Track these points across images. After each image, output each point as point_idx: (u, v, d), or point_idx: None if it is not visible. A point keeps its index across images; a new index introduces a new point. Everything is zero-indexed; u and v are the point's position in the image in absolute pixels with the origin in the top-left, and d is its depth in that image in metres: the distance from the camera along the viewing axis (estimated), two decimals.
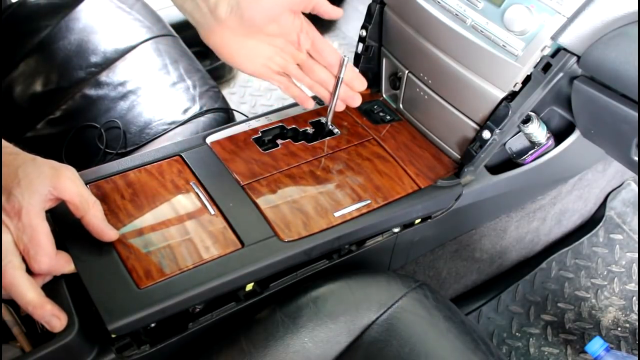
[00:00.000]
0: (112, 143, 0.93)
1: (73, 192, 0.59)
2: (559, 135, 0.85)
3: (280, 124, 0.86)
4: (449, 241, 1.04)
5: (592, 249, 1.21)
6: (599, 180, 1.21)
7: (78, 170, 0.63)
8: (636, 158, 0.69)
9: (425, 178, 0.82)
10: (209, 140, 0.82)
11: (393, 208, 0.77)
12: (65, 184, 0.58)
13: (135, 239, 0.67)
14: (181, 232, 0.69)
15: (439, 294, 0.72)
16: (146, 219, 0.70)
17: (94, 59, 1.04)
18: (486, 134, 0.76)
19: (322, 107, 0.87)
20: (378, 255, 0.84)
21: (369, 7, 0.89)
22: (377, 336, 0.66)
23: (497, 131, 0.75)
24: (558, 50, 0.69)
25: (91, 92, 1.00)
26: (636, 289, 1.15)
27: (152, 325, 0.64)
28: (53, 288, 0.61)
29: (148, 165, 0.77)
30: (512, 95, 0.74)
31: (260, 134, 0.84)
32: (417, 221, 0.83)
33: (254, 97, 1.50)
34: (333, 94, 0.79)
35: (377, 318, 0.68)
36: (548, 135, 0.82)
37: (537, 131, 0.80)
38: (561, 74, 0.70)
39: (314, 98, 0.93)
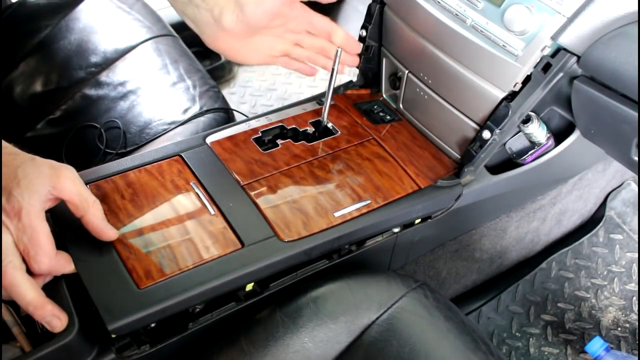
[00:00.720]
0: (112, 143, 0.93)
1: (72, 191, 0.59)
2: (559, 135, 0.85)
3: (280, 124, 0.86)
4: (449, 241, 1.04)
5: (592, 249, 1.21)
6: (599, 180, 1.21)
7: (78, 170, 0.63)
8: (636, 158, 0.69)
9: (425, 178, 0.82)
10: (209, 140, 0.82)
11: (393, 208, 0.77)
12: (65, 183, 0.58)
13: (135, 239, 0.67)
14: (181, 232, 0.69)
15: (439, 294, 0.72)
16: (146, 219, 0.70)
17: (94, 59, 1.04)
18: (486, 134, 0.76)
19: (322, 107, 0.87)
20: (378, 255, 0.84)
21: (369, 7, 0.89)
22: (377, 336, 0.66)
23: (497, 131, 0.75)
24: (558, 50, 0.69)
25: (91, 92, 1.00)
26: (636, 289, 1.15)
27: (152, 325, 0.64)
28: (53, 288, 0.61)
29: (148, 165, 0.77)
30: (512, 95, 0.74)
31: (260, 134, 0.84)
32: (417, 221, 0.83)
33: (254, 97, 1.50)
34: (328, 86, 0.79)
35: (377, 318, 0.68)
36: (548, 135, 0.82)
37: (537, 131, 0.80)
38: (561, 74, 0.70)
39: (314, 98, 0.94)
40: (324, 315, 0.67)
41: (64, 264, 0.61)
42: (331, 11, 1.73)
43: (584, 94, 0.69)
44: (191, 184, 0.75)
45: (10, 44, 1.05)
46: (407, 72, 0.88)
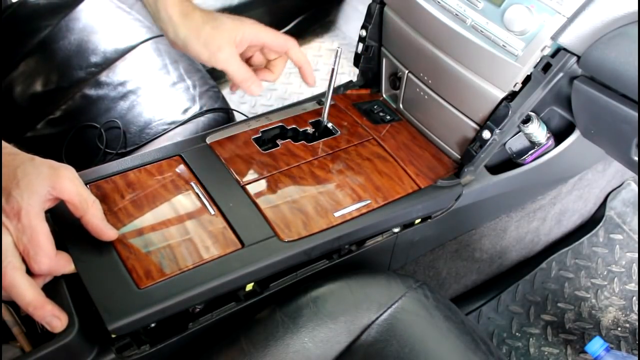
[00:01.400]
0: (112, 143, 0.93)
1: (72, 191, 0.59)
2: (559, 135, 0.85)
3: (280, 124, 0.86)
4: (449, 241, 1.04)
5: (592, 249, 1.21)
6: (599, 180, 1.21)
7: (78, 171, 0.63)
8: (636, 158, 0.69)
9: (425, 178, 0.82)
10: (209, 140, 0.82)
11: (393, 208, 0.77)
12: (64, 183, 0.58)
13: (135, 239, 0.67)
14: (181, 232, 0.69)
15: (439, 294, 0.72)
16: (146, 219, 0.70)
17: (94, 59, 1.04)
18: (486, 134, 0.76)
19: (322, 107, 0.87)
20: (378, 255, 0.84)
21: (369, 7, 0.89)
22: (377, 336, 0.66)
23: (497, 131, 0.75)
24: (558, 50, 0.69)
25: (91, 92, 1.00)
26: (636, 289, 1.15)
27: (152, 325, 0.64)
28: (53, 288, 0.61)
29: (148, 165, 0.77)
30: (512, 95, 0.74)
31: (260, 134, 0.84)
32: (417, 221, 0.83)
33: (254, 97, 1.50)
34: (328, 86, 0.80)
35: (377, 318, 0.68)
36: (548, 135, 0.82)
37: (537, 131, 0.80)
38: (561, 74, 0.70)
39: (314, 98, 0.94)
40: (324, 315, 0.67)
41: (64, 264, 0.61)
42: (331, 11, 1.74)
43: (584, 94, 0.69)
44: (191, 184, 0.75)
45: (10, 44, 1.05)
46: (407, 72, 0.88)
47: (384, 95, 0.97)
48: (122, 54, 1.04)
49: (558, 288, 1.16)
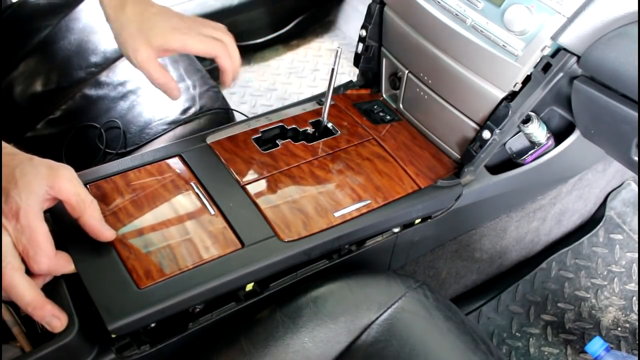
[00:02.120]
0: (112, 143, 0.93)
1: (70, 192, 0.59)
2: (559, 135, 0.85)
3: (280, 124, 0.86)
4: (449, 241, 1.04)
5: (592, 249, 1.21)
6: (599, 180, 1.21)
7: (78, 171, 0.63)
8: (636, 158, 0.69)
9: (425, 178, 0.82)
10: (209, 140, 0.82)
11: (393, 208, 0.77)
12: (62, 183, 0.58)
13: (135, 239, 0.67)
14: (181, 232, 0.69)
15: (439, 294, 0.72)
16: (146, 219, 0.70)
17: (94, 59, 1.04)
18: (486, 134, 0.76)
19: (322, 107, 0.87)
20: (378, 255, 0.84)
21: (369, 7, 0.89)
22: (377, 336, 0.66)
23: (497, 131, 0.75)
24: (558, 50, 0.69)
25: (91, 92, 1.00)
26: (636, 289, 1.15)
27: (152, 325, 0.64)
28: (53, 288, 0.61)
29: (148, 165, 0.77)
30: (512, 95, 0.74)
31: (260, 134, 0.84)
32: (417, 221, 0.83)
33: (254, 97, 1.50)
34: (328, 86, 0.80)
35: (377, 318, 0.68)
36: (548, 135, 0.82)
37: (537, 131, 0.80)
38: (561, 74, 0.70)
39: (314, 98, 0.94)
40: (324, 315, 0.67)
41: (63, 264, 0.61)
42: (331, 11, 1.74)
43: (584, 94, 0.69)
44: (191, 184, 0.75)
45: (10, 44, 1.05)
46: (407, 72, 0.88)
47: (384, 95, 0.97)
48: (121, 54, 1.04)
49: (558, 288, 1.16)
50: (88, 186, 0.73)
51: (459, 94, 0.80)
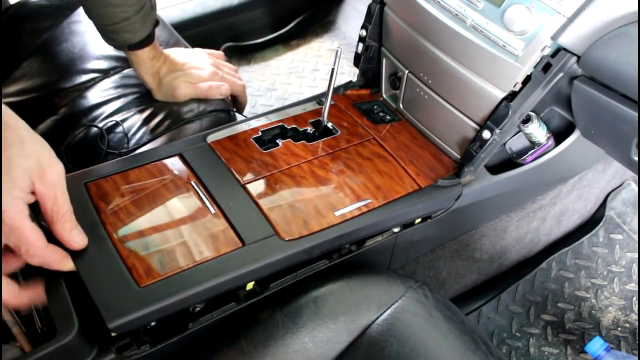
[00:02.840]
0: (113, 143, 0.93)
1: (48, 196, 0.57)
2: (559, 135, 0.85)
3: (281, 123, 0.86)
4: (449, 241, 1.04)
5: (592, 249, 1.21)
6: (599, 180, 1.21)
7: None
8: (636, 158, 0.69)
9: (426, 178, 0.82)
10: (209, 139, 0.82)
11: (393, 207, 0.77)
12: (43, 187, 0.56)
13: (136, 238, 0.67)
14: (182, 231, 0.69)
15: (439, 294, 0.72)
16: (147, 218, 0.70)
17: (95, 59, 1.04)
18: (486, 134, 0.76)
19: (322, 106, 0.87)
20: (378, 255, 0.84)
21: (369, 7, 0.89)
22: (377, 336, 0.66)
23: (497, 131, 0.75)
24: (558, 50, 0.69)
25: (92, 92, 1.00)
26: (636, 289, 1.15)
27: (153, 324, 0.64)
28: (53, 288, 0.61)
29: (148, 164, 0.77)
30: (512, 95, 0.74)
31: (261, 134, 0.84)
32: (417, 221, 0.83)
33: (254, 97, 1.50)
34: (328, 86, 0.80)
35: (377, 318, 0.68)
36: (548, 135, 0.82)
37: (537, 131, 0.80)
38: (561, 74, 0.70)
39: (314, 98, 0.94)
40: (324, 315, 0.67)
41: (59, 258, 0.61)
42: (331, 11, 1.74)
43: (584, 94, 0.69)
44: (192, 183, 0.75)
45: (12, 44, 1.05)
46: (407, 72, 0.88)
47: (384, 95, 0.97)
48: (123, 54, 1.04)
49: (558, 288, 1.16)
50: (88, 185, 0.73)
51: (459, 94, 0.80)
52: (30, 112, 1.01)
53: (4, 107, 0.56)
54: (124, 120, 0.94)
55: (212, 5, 1.48)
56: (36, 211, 0.59)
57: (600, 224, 1.24)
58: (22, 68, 1.03)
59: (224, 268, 0.65)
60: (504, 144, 0.84)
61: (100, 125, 0.94)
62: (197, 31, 1.44)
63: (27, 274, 0.62)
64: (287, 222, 0.72)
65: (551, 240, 1.23)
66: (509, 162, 0.88)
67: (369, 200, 0.76)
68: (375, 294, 0.70)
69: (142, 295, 0.61)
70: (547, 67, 0.69)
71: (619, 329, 1.10)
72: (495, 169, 0.87)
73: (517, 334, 1.10)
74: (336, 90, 0.96)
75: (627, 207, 1.25)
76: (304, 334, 0.66)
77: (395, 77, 0.92)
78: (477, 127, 0.79)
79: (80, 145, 0.94)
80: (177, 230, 0.69)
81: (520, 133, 0.82)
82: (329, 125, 0.87)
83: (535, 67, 0.70)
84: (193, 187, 0.74)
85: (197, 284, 0.63)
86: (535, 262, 1.19)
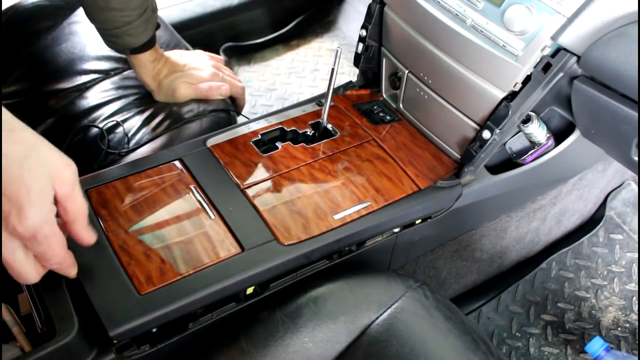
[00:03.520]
0: (114, 143, 0.93)
1: (69, 197, 0.55)
2: (559, 135, 0.85)
3: (280, 126, 0.86)
4: (449, 241, 1.04)
5: (592, 249, 1.21)
6: (599, 180, 1.21)
7: (79, 171, 0.62)
8: (636, 158, 0.69)
9: (425, 179, 0.82)
10: (209, 143, 0.82)
11: (393, 209, 0.77)
12: (65, 188, 0.54)
13: (136, 245, 0.67)
14: (181, 237, 0.69)
15: (439, 294, 0.72)
16: (146, 224, 0.70)
17: (95, 60, 1.04)
18: (486, 134, 0.76)
19: (321, 107, 0.87)
20: (378, 255, 0.84)
21: (369, 7, 0.89)
22: (377, 336, 0.66)
23: (497, 131, 0.75)
24: (558, 50, 0.69)
25: (92, 93, 1.00)
26: (636, 289, 1.15)
27: (154, 330, 0.64)
28: (53, 289, 0.61)
29: (148, 170, 0.77)
30: (512, 95, 0.74)
31: (260, 137, 0.84)
32: (417, 221, 0.83)
33: (254, 97, 1.50)
34: (328, 87, 0.80)
35: (377, 318, 0.68)
36: (548, 135, 0.82)
37: (537, 131, 0.80)
38: (561, 74, 0.70)
39: (314, 99, 0.94)
40: (324, 315, 0.67)
41: (72, 264, 0.60)
42: (331, 11, 1.73)
43: (584, 94, 0.69)
44: (191, 187, 0.75)
45: (12, 44, 1.05)
46: (407, 72, 0.88)
47: (384, 95, 0.97)
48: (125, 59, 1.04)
49: (558, 288, 1.16)
50: (89, 192, 0.73)
51: (459, 93, 0.80)
52: (30, 113, 1.01)
53: (6, 112, 0.53)
54: (124, 121, 0.94)
55: (212, 5, 1.48)
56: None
57: (600, 224, 1.23)
58: (22, 68, 1.03)
59: (223, 274, 0.65)
60: (504, 144, 0.84)
61: (101, 125, 0.94)
62: (197, 31, 1.44)
63: None
64: (286, 227, 0.72)
65: (551, 240, 1.23)
66: (509, 162, 0.88)
67: (368, 203, 0.76)
68: (375, 294, 0.70)
69: (143, 302, 0.61)
70: (547, 67, 0.69)
71: (619, 329, 1.10)
72: (495, 169, 0.87)
73: (517, 334, 1.10)
74: (336, 90, 0.96)
75: (627, 207, 1.25)
76: (304, 334, 0.66)
77: (395, 77, 0.92)
78: (477, 127, 0.79)
79: (80, 145, 0.94)
80: (177, 236, 0.69)
81: (520, 133, 0.82)
82: (329, 126, 0.87)
83: (535, 67, 0.70)
84: (192, 192, 0.74)
85: (197, 291, 0.63)
86: (535, 262, 1.19)
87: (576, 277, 1.17)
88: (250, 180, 0.77)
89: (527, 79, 0.72)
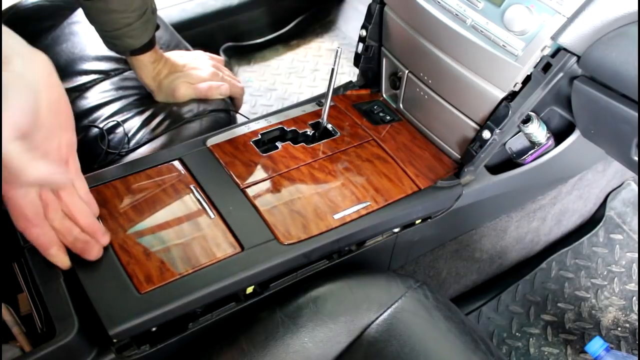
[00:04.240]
0: (114, 143, 0.93)
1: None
2: (559, 135, 0.85)
3: (280, 125, 0.86)
4: (449, 241, 1.04)
5: (592, 249, 1.21)
6: (599, 180, 1.21)
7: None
8: (636, 158, 0.69)
9: (425, 179, 0.82)
10: (209, 143, 0.82)
11: (392, 209, 0.77)
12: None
13: (136, 244, 0.67)
14: (181, 236, 0.69)
15: (439, 294, 0.72)
16: (146, 224, 0.70)
17: (96, 60, 1.04)
18: (486, 134, 0.76)
19: (321, 107, 0.87)
20: (378, 255, 0.84)
21: (369, 7, 0.89)
22: (377, 336, 0.66)
23: (497, 131, 0.75)
24: (558, 50, 0.69)
25: (92, 93, 1.00)
26: (636, 289, 1.15)
27: (153, 329, 0.64)
28: (53, 288, 0.61)
29: (148, 170, 0.77)
30: (512, 95, 0.74)
31: (260, 136, 0.84)
32: (417, 221, 0.83)
33: (254, 97, 1.50)
34: (328, 87, 0.80)
35: (377, 318, 0.68)
36: (548, 135, 0.82)
37: (537, 131, 0.80)
38: (561, 74, 0.70)
39: (314, 99, 0.94)
40: (324, 315, 0.67)
41: (100, 231, 0.65)
42: (331, 11, 1.74)
43: (584, 94, 0.69)
44: (191, 187, 0.75)
45: None
46: (407, 71, 0.88)
47: (384, 95, 0.97)
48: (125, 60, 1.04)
49: (558, 288, 1.16)
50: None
51: (459, 93, 0.80)
52: None
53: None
54: (124, 121, 0.94)
55: (212, 5, 1.48)
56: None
57: (600, 224, 1.23)
58: None
59: (223, 273, 0.65)
60: (504, 144, 0.84)
61: (101, 125, 0.94)
62: (197, 31, 1.44)
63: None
64: (286, 226, 0.72)
65: (551, 240, 1.23)
66: (509, 162, 0.88)
67: (368, 203, 0.76)
68: (375, 294, 0.70)
69: (143, 301, 0.61)
70: (547, 67, 0.69)
71: (619, 329, 1.10)
72: (495, 169, 0.87)
73: (517, 334, 1.10)
74: (336, 90, 0.96)
75: (627, 207, 1.25)
76: (304, 334, 0.66)
77: (395, 77, 0.92)
78: (477, 127, 0.79)
79: (80, 145, 0.94)
80: (177, 236, 0.69)
81: (520, 133, 0.82)
82: (329, 126, 0.87)
83: (535, 67, 0.70)
84: (192, 191, 0.74)
85: (196, 290, 0.63)
86: (535, 262, 1.19)
87: (576, 277, 1.17)
88: (250, 180, 0.77)
89: (527, 79, 0.72)
